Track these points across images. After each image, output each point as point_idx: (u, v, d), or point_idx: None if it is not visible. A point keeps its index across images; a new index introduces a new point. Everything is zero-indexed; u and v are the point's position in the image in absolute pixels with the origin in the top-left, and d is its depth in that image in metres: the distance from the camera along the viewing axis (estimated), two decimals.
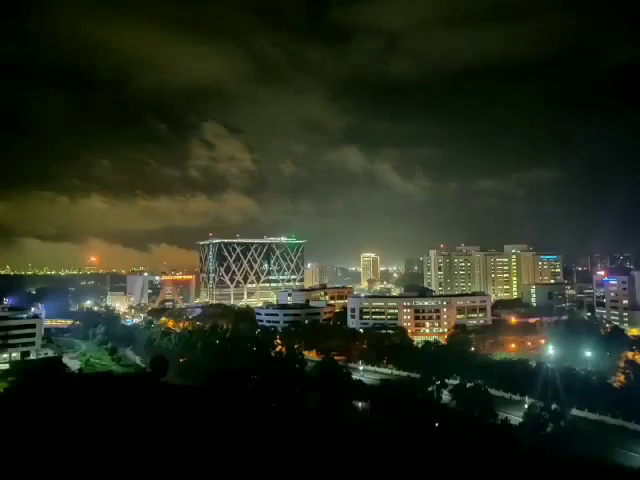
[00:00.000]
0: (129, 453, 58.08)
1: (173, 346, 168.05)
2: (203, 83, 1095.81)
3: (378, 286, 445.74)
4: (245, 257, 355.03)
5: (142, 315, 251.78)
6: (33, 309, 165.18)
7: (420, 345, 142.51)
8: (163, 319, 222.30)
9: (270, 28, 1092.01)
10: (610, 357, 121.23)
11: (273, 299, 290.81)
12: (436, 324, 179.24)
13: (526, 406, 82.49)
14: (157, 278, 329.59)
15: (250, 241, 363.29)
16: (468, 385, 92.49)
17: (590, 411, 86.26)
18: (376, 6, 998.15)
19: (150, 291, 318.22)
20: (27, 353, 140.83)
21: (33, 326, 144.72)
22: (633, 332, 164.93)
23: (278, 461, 56.67)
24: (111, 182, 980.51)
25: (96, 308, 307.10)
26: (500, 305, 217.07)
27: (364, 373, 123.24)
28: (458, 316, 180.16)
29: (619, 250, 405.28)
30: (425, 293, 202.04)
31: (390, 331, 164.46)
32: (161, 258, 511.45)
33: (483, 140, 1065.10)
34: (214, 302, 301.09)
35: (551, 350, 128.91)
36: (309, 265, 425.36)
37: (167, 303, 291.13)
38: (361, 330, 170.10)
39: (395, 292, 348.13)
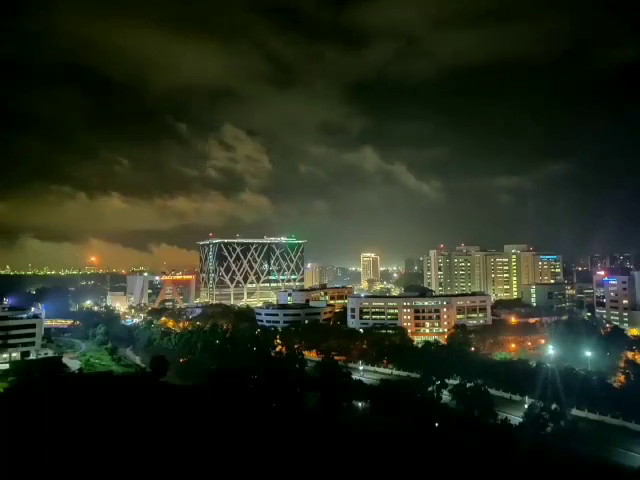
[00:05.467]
0: (129, 453, 58.05)
1: (173, 346, 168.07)
2: (220, 85, 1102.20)
3: (378, 286, 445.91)
4: (245, 257, 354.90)
5: (142, 315, 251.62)
6: (33, 309, 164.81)
7: (420, 345, 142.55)
8: (163, 319, 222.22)
9: (287, 29, 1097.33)
10: (610, 357, 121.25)
11: (273, 299, 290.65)
12: (436, 324, 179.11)
13: (526, 406, 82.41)
14: (157, 278, 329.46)
15: (250, 241, 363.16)
16: (468, 385, 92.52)
17: (590, 411, 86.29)
18: (389, 6, 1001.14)
19: (150, 291, 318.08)
20: (27, 353, 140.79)
21: (33, 326, 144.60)
22: (633, 332, 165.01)
23: (278, 461, 56.64)
24: (111, 182, 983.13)
25: (96, 308, 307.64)
26: (500, 305, 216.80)
27: (364, 373, 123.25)
28: (458, 316, 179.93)
29: (619, 250, 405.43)
30: (425, 293, 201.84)
31: (390, 331, 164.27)
32: (161, 258, 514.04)
33: (484, 140, 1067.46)
34: (214, 302, 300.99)
35: (551, 350, 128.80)
36: (309, 265, 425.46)
37: (167, 303, 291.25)
38: (361, 330, 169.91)
39: (395, 292, 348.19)
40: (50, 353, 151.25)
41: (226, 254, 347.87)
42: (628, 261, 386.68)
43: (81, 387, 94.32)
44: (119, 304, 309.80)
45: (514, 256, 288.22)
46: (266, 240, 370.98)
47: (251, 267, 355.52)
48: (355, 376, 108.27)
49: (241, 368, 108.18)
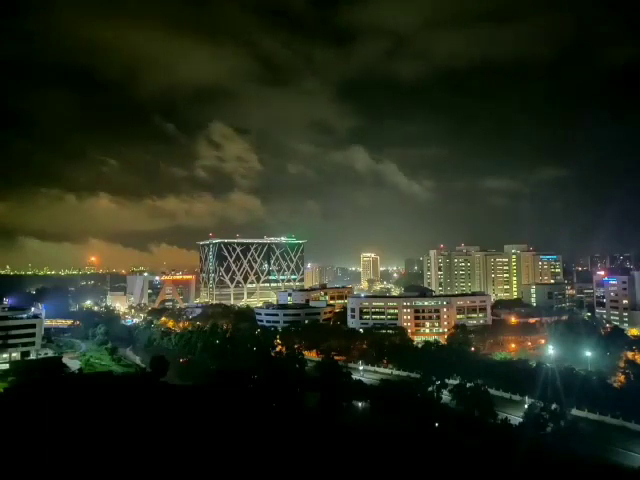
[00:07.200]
0: (129, 453, 58.05)
1: (173, 346, 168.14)
2: (209, 84, 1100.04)
3: (378, 286, 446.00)
4: (245, 257, 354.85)
5: (142, 315, 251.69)
6: (33, 309, 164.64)
7: (420, 345, 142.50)
8: (163, 319, 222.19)
9: (277, 29, 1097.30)
10: (610, 357, 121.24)
11: (273, 299, 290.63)
12: (436, 324, 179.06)
13: (526, 406, 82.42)
14: (157, 278, 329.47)
15: (250, 241, 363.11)
16: (468, 385, 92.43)
17: (590, 411, 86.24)
18: (382, 7, 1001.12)
19: (150, 291, 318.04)
20: (27, 353, 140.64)
21: (33, 326, 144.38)
22: (633, 332, 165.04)
23: (278, 461, 56.66)
24: (114, 182, 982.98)
25: (96, 308, 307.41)
26: (500, 305, 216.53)
27: (364, 373, 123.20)
28: (458, 316, 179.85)
29: (619, 250, 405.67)
30: (425, 293, 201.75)
31: (390, 331, 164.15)
32: (161, 258, 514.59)
33: (485, 140, 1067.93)
34: (214, 302, 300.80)
35: (551, 350, 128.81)
36: (309, 265, 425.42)
37: (167, 303, 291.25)
38: (361, 330, 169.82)
39: (395, 292, 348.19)
40: (50, 353, 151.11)
41: (226, 254, 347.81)
42: (628, 261, 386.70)
43: (81, 387, 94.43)
44: (119, 304, 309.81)
45: (514, 256, 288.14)
46: (266, 240, 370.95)
47: (251, 267, 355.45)
48: (355, 376, 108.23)
49: (241, 368, 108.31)
